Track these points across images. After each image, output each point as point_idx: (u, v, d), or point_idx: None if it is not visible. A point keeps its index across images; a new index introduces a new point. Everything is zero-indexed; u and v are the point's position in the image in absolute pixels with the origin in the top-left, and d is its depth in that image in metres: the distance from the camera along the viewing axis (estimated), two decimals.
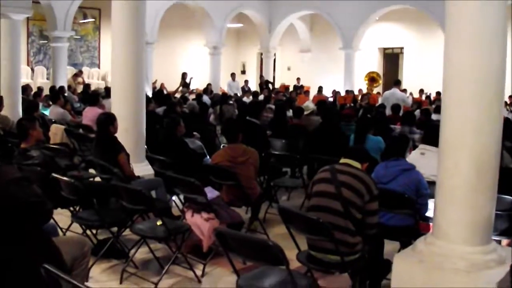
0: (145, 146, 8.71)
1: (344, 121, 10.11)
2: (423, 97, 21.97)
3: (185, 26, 26.57)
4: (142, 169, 7.85)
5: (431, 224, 5.68)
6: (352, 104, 18.80)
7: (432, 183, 5.69)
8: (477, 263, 4.51)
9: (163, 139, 7.51)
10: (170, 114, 10.17)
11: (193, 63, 26.94)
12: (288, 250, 4.97)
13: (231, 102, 14.60)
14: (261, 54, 28.19)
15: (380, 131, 8.89)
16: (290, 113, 12.31)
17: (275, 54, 27.95)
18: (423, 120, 11.32)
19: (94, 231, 6.42)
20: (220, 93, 19.28)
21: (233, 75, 24.29)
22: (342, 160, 4.86)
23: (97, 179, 7.43)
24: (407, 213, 5.36)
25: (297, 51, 29.37)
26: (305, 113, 11.22)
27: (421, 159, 5.95)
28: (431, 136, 6.25)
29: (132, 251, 5.98)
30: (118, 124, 7.00)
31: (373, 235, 4.81)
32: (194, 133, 10.73)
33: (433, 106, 18.37)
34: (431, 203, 5.50)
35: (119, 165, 6.68)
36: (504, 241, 5.58)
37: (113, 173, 6.43)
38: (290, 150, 9.32)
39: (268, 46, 26.56)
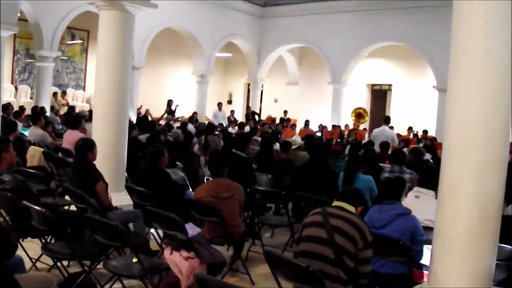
0: (125, 175, 8.38)
1: (332, 158, 9.81)
2: (411, 135, 21.78)
3: (174, 52, 26.28)
4: (121, 199, 7.47)
5: (425, 272, 5.40)
6: (338, 140, 18.58)
7: (426, 229, 5.42)
8: None
9: (145, 169, 7.13)
10: (154, 142, 9.84)
11: (179, 90, 26.64)
12: None
13: (216, 132, 14.28)
14: (249, 84, 28.01)
15: (370, 169, 8.59)
16: (276, 146, 12.01)
17: (262, 86, 27.75)
18: (412, 160, 11.03)
19: (66, 263, 6.02)
20: (206, 122, 19.02)
21: (219, 105, 23.99)
22: (335, 203, 4.53)
23: (73, 207, 7.03)
24: (401, 261, 5.03)
25: (285, 84, 29.19)
26: (292, 147, 10.90)
27: (415, 202, 5.65)
28: (427, 179, 5.98)
29: (106, 287, 5.57)
30: (97, 151, 6.63)
31: (365, 285, 4.46)
32: (177, 163, 10.40)
33: (421, 144, 18.24)
34: (425, 249, 5.22)
35: (96, 194, 6.31)
36: None
37: (89, 203, 6.04)
38: (276, 186, 9.00)
39: (256, 77, 26.37)
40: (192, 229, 5.65)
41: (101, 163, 7.23)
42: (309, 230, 4.40)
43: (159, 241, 6.45)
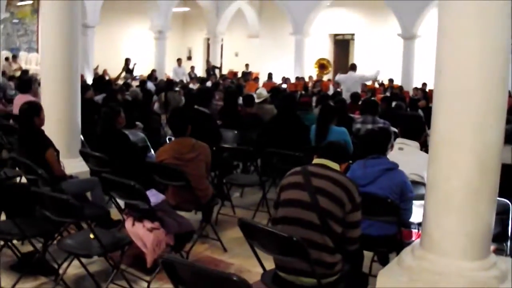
0: (82, 139, 7.76)
1: (300, 110, 9.27)
2: (376, 85, 21.35)
3: (130, 9, 25.42)
4: (76, 166, 6.84)
5: (414, 231, 4.95)
6: (303, 92, 18.11)
7: (413, 183, 4.94)
8: (478, 281, 3.78)
9: (100, 132, 6.46)
10: (110, 102, 9.17)
11: (137, 48, 25.78)
12: (249, 264, 4.15)
13: (177, 89, 13.58)
14: (208, 39, 27.31)
15: (341, 121, 8.07)
16: (239, 100, 11.42)
17: (222, 40, 27.04)
18: (384, 109, 10.56)
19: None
20: (165, 79, 18.30)
21: (179, 61, 23.26)
22: (316, 160, 3.96)
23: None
24: (389, 221, 4.53)
25: (246, 37, 28.51)
26: (258, 100, 10.29)
27: (399, 155, 5.10)
28: (410, 129, 5.46)
29: (64, 265, 4.97)
30: (45, 115, 5.98)
31: (354, 251, 3.95)
32: (137, 123, 9.75)
33: (387, 93, 17.84)
34: (414, 206, 4.75)
35: (46, 164, 5.67)
36: (491, 247, 4.85)
37: (37, 174, 5.40)
38: (243, 142, 8.47)
39: (215, 31, 25.80)
40: (155, 197, 5.08)
41: (52, 128, 6.69)
42: (289, 192, 3.83)
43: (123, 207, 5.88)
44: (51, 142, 5.87)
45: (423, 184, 5.09)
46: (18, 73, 19.31)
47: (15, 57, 21.77)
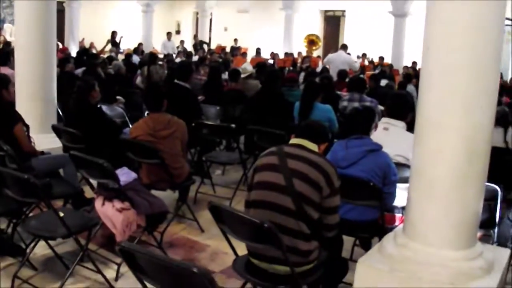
0: (61, 114, 7.50)
1: (286, 86, 9.02)
2: (366, 62, 21.10)
3: None
4: (50, 141, 6.57)
5: (397, 215, 4.74)
6: (291, 68, 17.82)
7: (398, 166, 4.71)
8: (462, 272, 3.58)
9: (74, 106, 6.16)
10: (89, 75, 8.88)
11: (125, 21, 25.22)
12: (225, 246, 3.92)
13: (161, 62, 13.23)
14: (197, 13, 26.84)
15: (327, 98, 7.81)
16: (225, 76, 11.15)
17: (211, 14, 26.62)
18: (372, 87, 10.33)
19: None
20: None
21: (169, 34, 22.85)
22: (294, 140, 3.69)
23: None
24: (371, 205, 4.30)
25: (235, 11, 28.04)
26: (242, 76, 10.01)
27: (384, 135, 4.85)
28: (396, 108, 5.21)
29: (32, 245, 4.72)
30: (19, 89, 5.71)
31: (332, 238, 3.71)
32: (118, 97, 9.48)
33: (377, 71, 17.60)
34: (397, 189, 4.53)
35: (15, 139, 5.40)
36: (478, 234, 4.65)
37: (3, 150, 5.12)
38: (225, 119, 8.25)
39: (204, 5, 25.36)
40: (126, 175, 4.82)
41: (26, 102, 6.63)
42: (263, 174, 3.57)
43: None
44: (20, 117, 5.58)
45: (408, 167, 4.88)
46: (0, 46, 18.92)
47: None
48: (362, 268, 3.84)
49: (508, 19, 21.88)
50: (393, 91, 6.30)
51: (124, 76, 11.18)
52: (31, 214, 5.09)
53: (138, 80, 11.58)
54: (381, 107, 8.87)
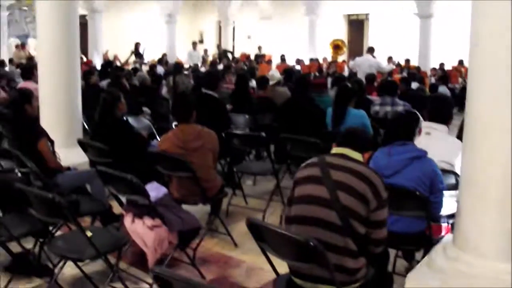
0: (87, 127, 7.35)
1: (315, 92, 8.76)
2: (392, 65, 20.73)
3: None
4: (76, 155, 6.38)
5: (443, 225, 4.45)
6: (317, 73, 17.57)
7: (442, 172, 4.42)
8: None
9: (99, 119, 5.94)
10: (114, 87, 8.70)
11: (148, 33, 25.21)
12: (261, 261, 3.68)
13: (186, 72, 13.05)
14: (220, 22, 26.73)
15: (358, 103, 7.54)
16: (252, 83, 10.92)
17: (234, 22, 26.47)
18: (403, 90, 10.02)
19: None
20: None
21: (194, 44, 22.72)
22: (336, 150, 3.44)
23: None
24: (418, 216, 4.02)
25: (258, 19, 27.88)
26: (270, 83, 9.77)
27: (426, 140, 4.57)
28: (438, 111, 4.92)
29: (60, 265, 4.51)
30: (43, 103, 5.54)
31: (379, 253, 3.44)
32: (144, 108, 9.30)
33: (404, 74, 17.27)
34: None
35: (40, 155, 5.21)
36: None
37: (27, 167, 4.93)
38: (255, 127, 8.01)
39: (226, 14, 25.23)
40: (156, 190, 4.59)
41: (51, 116, 6.58)
42: (304, 188, 3.32)
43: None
44: (44, 132, 5.41)
45: (454, 173, 4.62)
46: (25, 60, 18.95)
47: (23, 44, 21.37)
48: (412, 284, 3.59)
49: None
50: (435, 94, 5.96)
51: (150, 87, 11.01)
52: (58, 233, 4.90)
53: (164, 90, 11.40)
54: (413, 111, 8.60)
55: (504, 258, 3.38)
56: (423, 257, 4.28)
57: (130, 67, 17.12)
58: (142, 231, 4.36)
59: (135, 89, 10.68)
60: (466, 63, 20.10)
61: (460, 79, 17.54)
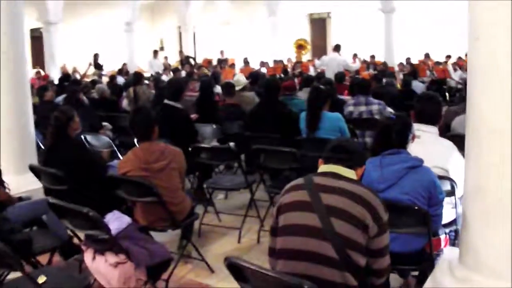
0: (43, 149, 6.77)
1: (284, 96, 8.30)
2: (357, 63, 20.40)
3: (96, 2, 24.08)
4: (30, 182, 5.80)
5: (442, 236, 4.01)
6: (283, 75, 17.15)
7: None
8: None
9: (51, 141, 5.32)
10: (71, 103, 8.12)
11: (107, 43, 24.45)
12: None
13: (147, 82, 12.43)
14: (180, 28, 26.15)
15: (333, 104, 7.05)
16: (217, 89, 10.39)
17: (194, 27, 25.92)
18: (376, 87, 9.60)
19: None
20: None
21: (155, 52, 22.03)
22: (324, 168, 2.93)
23: None
24: (417, 232, 3.55)
25: (219, 23, 27.34)
26: (236, 88, 9.25)
27: (415, 145, 4.07)
28: (427, 111, 4.44)
29: None
30: None
31: (382, 285, 2.95)
32: (104, 123, 8.71)
33: (371, 70, 16.95)
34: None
35: None
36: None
37: None
38: (223, 138, 7.55)
39: (185, 19, 24.60)
40: (118, 221, 4.03)
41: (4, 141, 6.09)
42: (291, 216, 2.80)
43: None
44: None
45: (448, 179, 4.17)
46: None
47: None
48: None
49: None
50: (421, 93, 5.44)
51: (109, 100, 10.44)
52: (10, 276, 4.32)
53: (124, 102, 10.81)
54: (389, 109, 8.18)
55: None
56: (420, 272, 3.89)
57: (89, 79, 16.48)
58: (105, 270, 3.80)
59: (94, 103, 10.11)
60: (432, 56, 19.93)
61: (428, 72, 17.22)
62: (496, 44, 2.85)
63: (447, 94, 16.27)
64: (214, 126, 7.53)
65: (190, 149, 5.92)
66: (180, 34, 26.76)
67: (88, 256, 3.95)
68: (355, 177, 2.90)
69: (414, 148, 3.93)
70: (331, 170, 2.88)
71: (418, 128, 4.28)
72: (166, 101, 6.76)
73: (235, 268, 2.72)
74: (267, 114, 6.90)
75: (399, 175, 3.52)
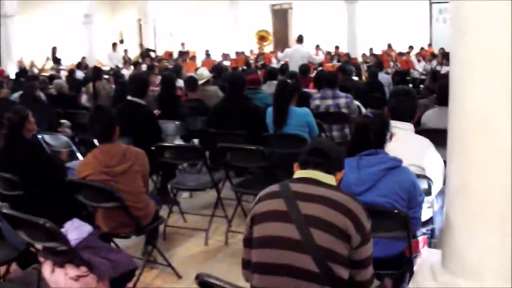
0: None
1: (249, 90, 8.07)
2: (320, 53, 20.24)
3: None
4: None
5: (420, 238, 3.86)
6: (245, 67, 16.93)
7: None
8: None
9: (5, 144, 4.99)
10: (27, 100, 7.79)
11: (66, 36, 23.82)
12: None
13: (106, 76, 12.05)
14: (140, 20, 25.68)
15: (299, 98, 6.82)
16: (178, 83, 10.07)
17: (155, 20, 25.48)
18: (342, 80, 9.40)
19: None
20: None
21: (114, 45, 21.58)
22: (301, 173, 2.72)
23: None
24: (398, 236, 3.37)
25: (180, 14, 26.91)
26: (199, 83, 8.99)
27: (390, 143, 3.90)
28: (402, 107, 4.27)
29: None
30: None
31: None
32: (63, 121, 8.38)
33: (335, 62, 16.83)
34: None
35: None
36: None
37: None
38: (187, 135, 7.37)
39: (146, 11, 24.17)
40: (78, 230, 3.77)
41: None
42: (266, 227, 2.58)
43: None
44: None
45: (424, 177, 4.01)
46: None
47: None
48: None
49: None
50: (395, 88, 5.17)
51: (68, 96, 10.10)
52: None
53: (84, 98, 10.46)
54: (356, 102, 8.02)
55: (508, 281, 2.78)
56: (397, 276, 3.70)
57: (47, 73, 16.00)
58: (65, 283, 3.54)
59: (52, 99, 9.76)
60: (394, 47, 19.91)
61: (391, 63, 17.18)
62: (483, 38, 2.67)
63: (411, 85, 16.29)
64: (177, 123, 7.25)
65: (153, 148, 5.65)
66: (140, 26, 26.29)
67: (46, 268, 3.68)
68: (334, 182, 2.70)
69: (389, 146, 3.75)
70: (309, 176, 2.67)
71: (393, 125, 4.09)
72: (129, 97, 6.46)
73: (207, 286, 2.49)
74: (232, 109, 6.65)
75: (377, 177, 3.32)
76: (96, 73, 10.71)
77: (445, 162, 3.22)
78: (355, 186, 3.30)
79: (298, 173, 2.72)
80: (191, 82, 8.23)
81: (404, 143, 4.00)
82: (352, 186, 3.29)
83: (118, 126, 4.44)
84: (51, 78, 12.19)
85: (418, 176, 3.95)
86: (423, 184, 3.98)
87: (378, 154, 3.41)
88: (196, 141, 7.54)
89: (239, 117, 6.55)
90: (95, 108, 4.76)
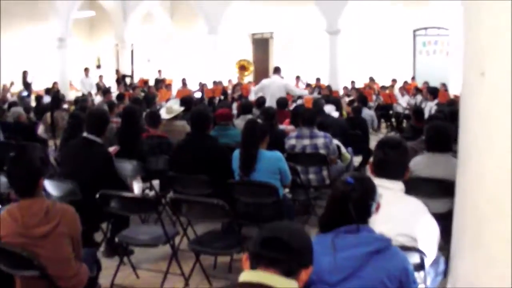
0: None
1: (218, 125, 7.35)
2: (300, 85, 19.61)
3: (28, 15, 22.76)
4: None
5: None
6: (222, 97, 16.26)
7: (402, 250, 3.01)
8: None
9: None
10: None
11: (41, 59, 22.98)
12: None
13: (66, 106, 11.22)
14: (117, 45, 25.01)
15: (272, 136, 6.03)
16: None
17: (132, 45, 24.82)
18: (321, 117, 8.66)
19: None
20: (72, 92, 16.13)
21: (86, 70, 20.89)
22: (249, 275, 1.94)
23: None
24: None
25: (158, 41, 26.33)
26: (167, 116, 8.19)
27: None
28: (393, 163, 3.47)
29: None
30: None
31: None
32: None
33: (315, 94, 16.23)
34: None
35: None
36: None
37: None
38: (146, 176, 6.64)
39: (123, 36, 23.58)
40: None
41: None
42: None
43: None
44: None
45: (417, 250, 3.25)
46: None
47: None
48: None
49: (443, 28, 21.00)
50: (385, 138, 4.07)
51: (25, 125, 9.33)
52: None
53: (40, 129, 9.64)
54: (336, 141, 7.31)
55: None
56: None
57: (13, 99, 15.19)
58: None
59: (8, 128, 8.98)
60: (377, 79, 19.37)
61: (374, 96, 16.59)
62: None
63: (393, 120, 15.67)
64: (135, 163, 6.46)
65: (97, 196, 4.84)
66: (117, 51, 25.58)
67: None
68: (294, 286, 1.91)
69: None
70: (259, 280, 1.88)
71: (380, 184, 3.26)
72: (85, 134, 5.65)
73: None
74: (195, 150, 5.88)
75: (359, 263, 2.51)
76: (56, 101, 9.92)
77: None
78: (329, 274, 2.49)
79: (245, 275, 1.93)
80: (153, 117, 7.45)
81: (393, 207, 3.21)
82: (325, 274, 2.49)
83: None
84: (10, 105, 11.39)
85: (409, 249, 3.20)
86: (415, 259, 3.25)
87: (360, 233, 2.60)
88: (156, 182, 6.77)
89: (202, 159, 5.77)
90: (14, 156, 3.86)
